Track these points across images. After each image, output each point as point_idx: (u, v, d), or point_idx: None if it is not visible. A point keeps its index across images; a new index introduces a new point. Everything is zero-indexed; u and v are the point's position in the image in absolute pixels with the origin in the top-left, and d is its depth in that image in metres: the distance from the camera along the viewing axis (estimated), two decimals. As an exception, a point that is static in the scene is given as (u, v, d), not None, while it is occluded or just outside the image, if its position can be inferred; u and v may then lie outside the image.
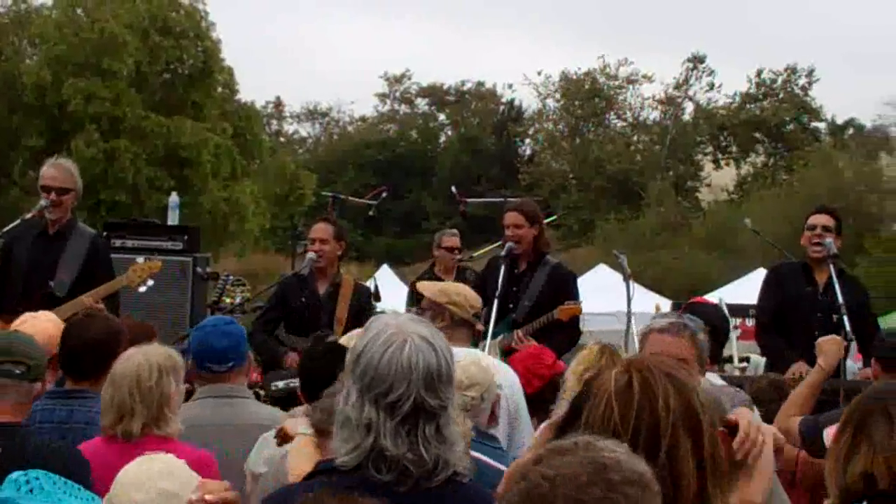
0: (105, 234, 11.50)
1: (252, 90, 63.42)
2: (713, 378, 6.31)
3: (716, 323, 6.85)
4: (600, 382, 3.08)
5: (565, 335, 8.85)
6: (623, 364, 3.13)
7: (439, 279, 11.17)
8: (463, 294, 7.19)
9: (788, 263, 9.91)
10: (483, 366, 5.85)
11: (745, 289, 21.51)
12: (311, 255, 9.53)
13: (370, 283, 12.33)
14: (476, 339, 7.83)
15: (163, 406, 5.29)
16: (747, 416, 3.72)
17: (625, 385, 3.04)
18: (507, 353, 8.23)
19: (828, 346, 6.78)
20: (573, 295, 9.16)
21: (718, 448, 3.09)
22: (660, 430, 2.97)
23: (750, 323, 16.29)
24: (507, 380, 6.87)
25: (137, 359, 5.35)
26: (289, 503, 3.42)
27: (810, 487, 7.28)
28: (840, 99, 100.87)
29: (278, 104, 74.82)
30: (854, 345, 8.74)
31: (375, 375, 3.37)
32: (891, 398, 3.54)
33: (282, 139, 72.53)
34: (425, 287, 7.52)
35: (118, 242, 11.75)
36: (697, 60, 64.09)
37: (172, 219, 15.59)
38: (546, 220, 10.12)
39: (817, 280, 9.18)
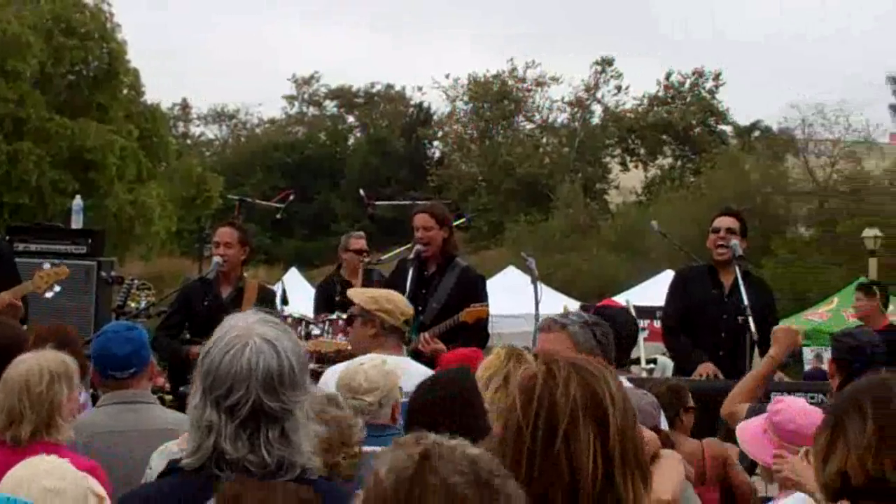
0: (8, 237, 11.33)
1: (158, 92, 63.00)
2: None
3: (622, 326, 6.85)
4: (517, 380, 3.12)
5: (472, 338, 8.83)
6: (538, 360, 3.15)
7: (346, 282, 11.10)
8: (394, 301, 7.15)
9: (694, 266, 9.94)
10: (385, 370, 5.83)
11: (653, 291, 21.70)
12: (216, 259, 9.45)
13: (278, 287, 12.24)
14: None
15: (53, 412, 5.21)
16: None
17: (529, 377, 3.06)
18: (414, 356, 8.21)
19: (783, 335, 6.80)
20: (481, 298, 9.14)
21: (637, 443, 3.09)
22: (557, 414, 2.97)
23: (657, 324, 16.43)
24: None
25: (28, 364, 5.27)
26: (150, 501, 3.49)
27: (721, 478, 7.37)
28: (746, 102, 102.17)
29: (185, 106, 74.38)
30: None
31: (216, 377, 3.35)
32: (865, 395, 3.56)
33: (188, 141, 72.01)
34: (356, 294, 7.49)
35: (21, 246, 11.58)
36: (606, 63, 64.55)
37: (76, 222, 15.38)
38: (455, 223, 10.11)
39: (723, 282, 9.23)
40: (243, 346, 3.37)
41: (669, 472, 4.53)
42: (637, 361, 13.75)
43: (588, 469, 2.97)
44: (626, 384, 6.17)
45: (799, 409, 4.83)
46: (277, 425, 3.35)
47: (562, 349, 5.22)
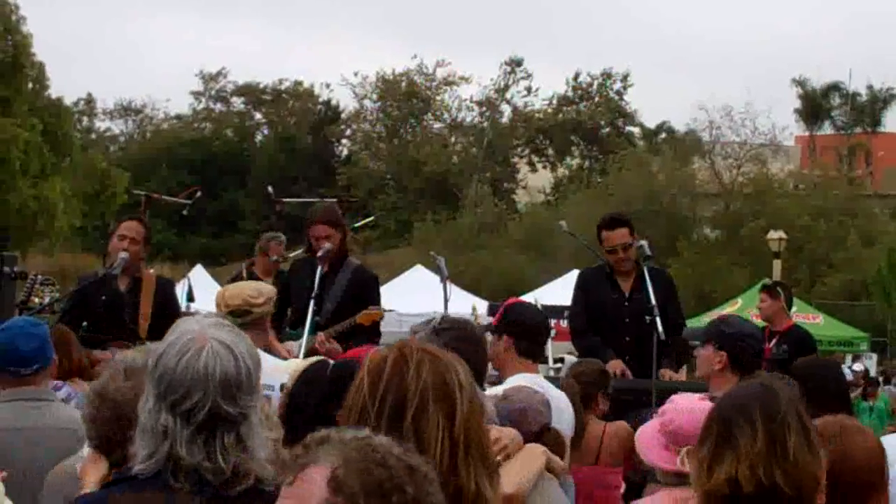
0: None
1: (63, 86, 62.31)
2: (535, 379, 6.28)
3: (532, 317, 6.83)
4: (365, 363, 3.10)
5: (366, 339, 8.86)
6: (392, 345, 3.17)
7: (258, 279, 11.04)
8: (220, 295, 7.25)
9: (592, 269, 9.89)
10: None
11: (560, 290, 21.78)
12: (123, 254, 9.31)
13: (184, 283, 12.13)
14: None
15: None
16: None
17: (380, 360, 3.07)
18: (309, 356, 8.20)
19: None
20: (375, 298, 9.18)
21: (482, 436, 3.10)
22: (406, 397, 2.98)
23: (564, 324, 16.48)
24: None
25: None
26: None
27: (623, 460, 7.40)
28: (654, 103, 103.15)
29: (89, 101, 73.62)
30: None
31: (171, 381, 3.30)
32: (753, 402, 3.58)
33: (93, 136, 71.30)
34: None
35: (-80, 241, 11.37)
36: (515, 63, 64.76)
37: (-22, 216, 15.18)
38: (363, 222, 10.07)
39: (621, 285, 9.24)
40: (199, 349, 3.32)
41: (518, 467, 4.58)
42: (545, 360, 13.80)
43: (435, 454, 2.97)
44: (531, 381, 6.17)
45: (682, 409, 4.77)
46: (233, 431, 3.32)
47: None
